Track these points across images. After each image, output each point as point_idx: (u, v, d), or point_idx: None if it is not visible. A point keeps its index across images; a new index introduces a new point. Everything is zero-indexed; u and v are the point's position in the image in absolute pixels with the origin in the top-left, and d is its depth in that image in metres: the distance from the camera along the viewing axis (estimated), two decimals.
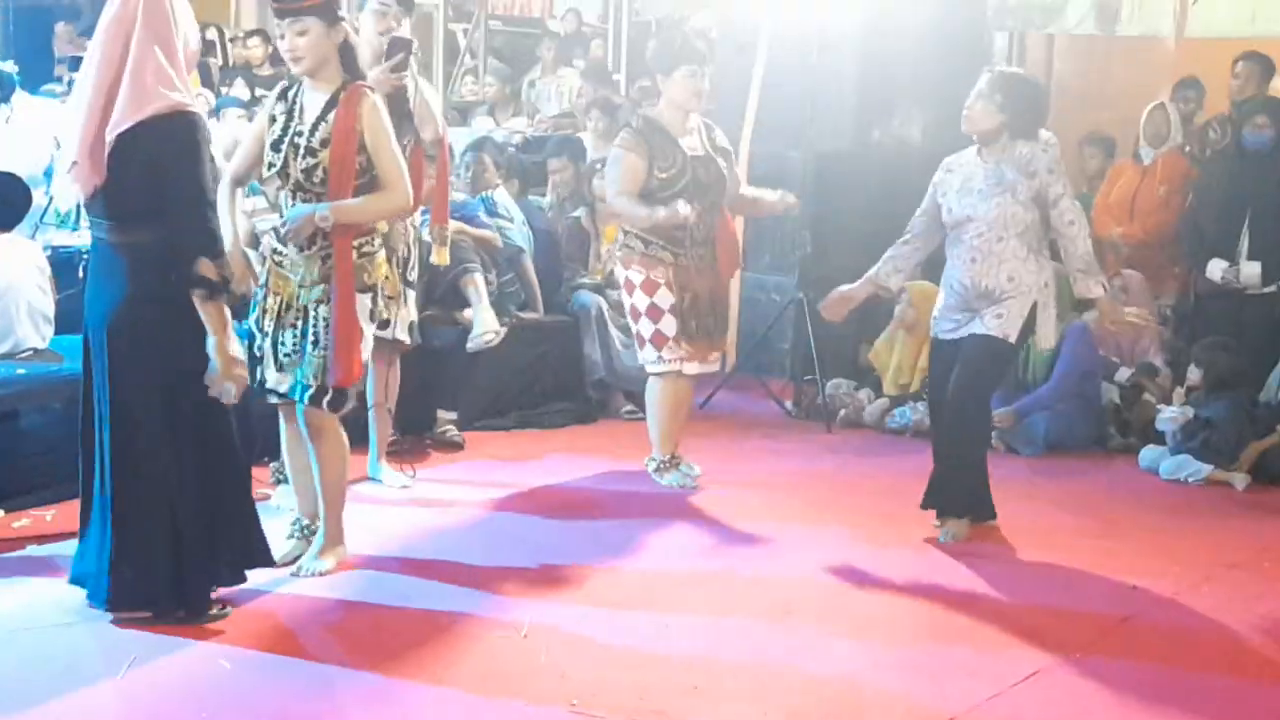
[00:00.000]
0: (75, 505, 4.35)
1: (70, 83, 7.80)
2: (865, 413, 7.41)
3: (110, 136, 3.90)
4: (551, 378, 7.35)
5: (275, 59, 12.30)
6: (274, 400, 4.73)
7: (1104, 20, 9.09)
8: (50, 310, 5.74)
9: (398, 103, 5.24)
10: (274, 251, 4.64)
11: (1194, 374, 6.73)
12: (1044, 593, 4.87)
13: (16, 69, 7.76)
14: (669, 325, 5.82)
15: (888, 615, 4.63)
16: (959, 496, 5.44)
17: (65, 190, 4.02)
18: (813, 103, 7.76)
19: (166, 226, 3.97)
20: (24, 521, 5.13)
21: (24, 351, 5.59)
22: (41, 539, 4.94)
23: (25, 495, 5.26)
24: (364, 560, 4.87)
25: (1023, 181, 5.25)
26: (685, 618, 4.51)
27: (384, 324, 4.99)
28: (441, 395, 6.63)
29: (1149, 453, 6.70)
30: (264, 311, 4.66)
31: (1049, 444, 6.90)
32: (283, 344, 4.61)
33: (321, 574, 4.68)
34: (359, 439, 5.84)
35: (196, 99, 4.11)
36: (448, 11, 11.64)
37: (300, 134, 4.55)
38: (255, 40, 12.05)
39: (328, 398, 4.60)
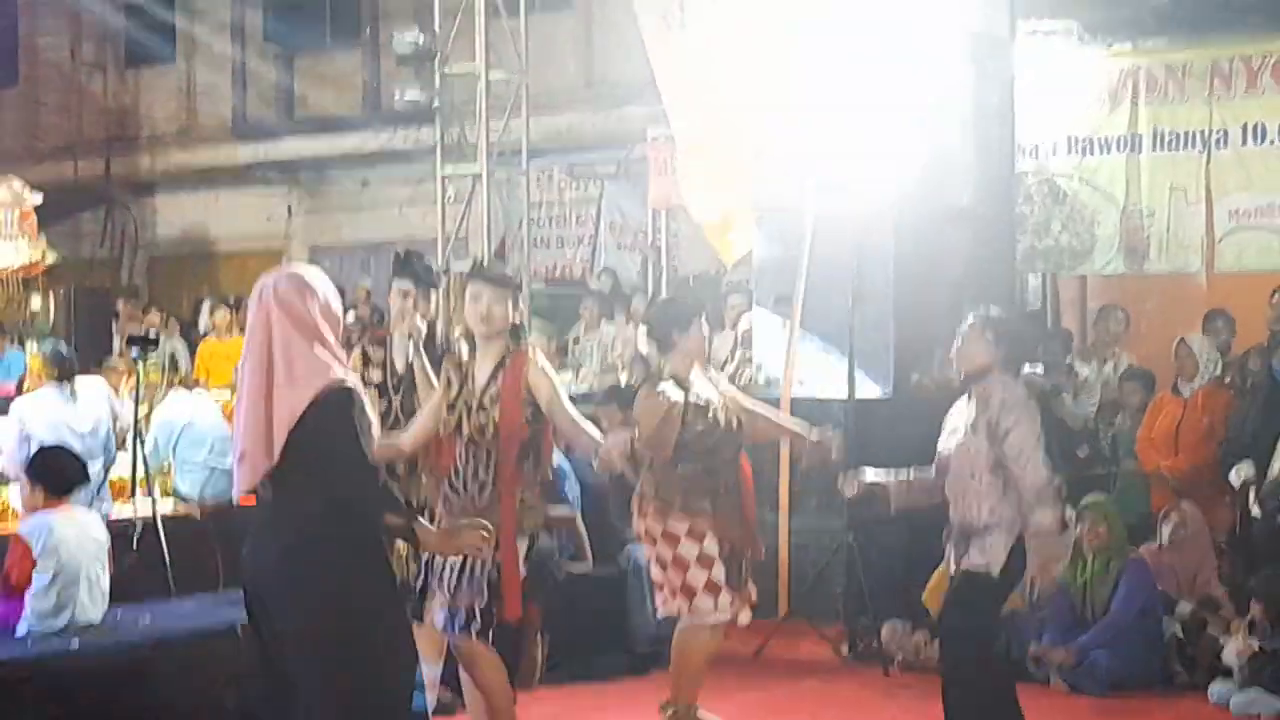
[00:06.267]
0: None
1: (135, 359, 7.65)
2: (923, 654, 7.28)
3: (280, 435, 3.95)
4: (603, 630, 7.29)
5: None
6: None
7: (1132, 260, 9.30)
8: (106, 583, 5.77)
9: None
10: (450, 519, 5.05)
11: (1256, 607, 6.61)
12: None
13: (72, 350, 8.09)
14: (697, 577, 5.62)
15: None
16: None
17: (239, 477, 4.09)
18: (851, 352, 7.84)
19: (330, 490, 4.00)
20: None
21: (80, 625, 5.61)
22: None
23: None
24: None
25: (980, 416, 5.17)
26: None
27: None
28: None
29: (1218, 687, 6.53)
30: (444, 563, 5.02)
31: (1112, 683, 6.74)
32: (448, 582, 4.97)
33: None
34: None
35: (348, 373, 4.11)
36: None
37: (472, 394, 5.04)
38: None
39: (477, 626, 4.94)
